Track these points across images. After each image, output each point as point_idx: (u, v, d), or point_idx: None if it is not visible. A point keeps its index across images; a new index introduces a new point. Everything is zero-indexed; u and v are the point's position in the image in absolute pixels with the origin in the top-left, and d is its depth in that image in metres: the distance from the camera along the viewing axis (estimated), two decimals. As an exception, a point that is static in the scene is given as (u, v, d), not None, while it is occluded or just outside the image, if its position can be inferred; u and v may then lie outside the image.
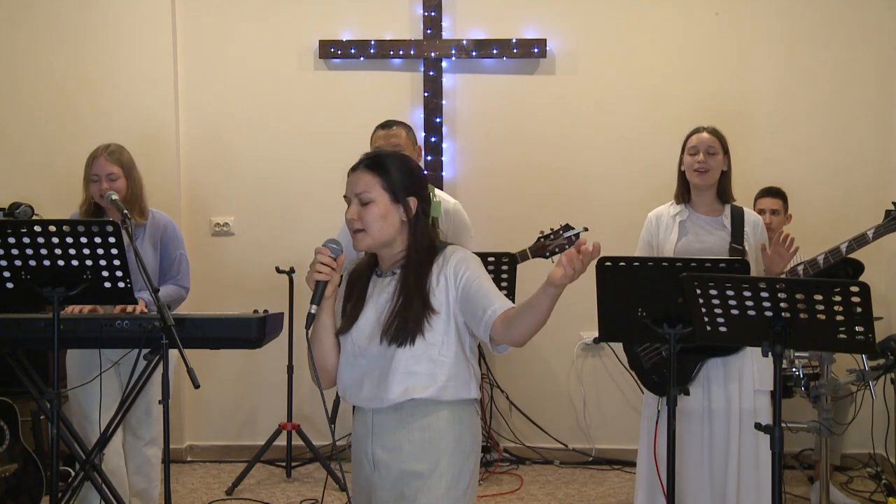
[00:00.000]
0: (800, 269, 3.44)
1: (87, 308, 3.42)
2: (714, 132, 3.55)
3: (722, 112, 5.14)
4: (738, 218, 3.51)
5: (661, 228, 3.58)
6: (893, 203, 3.32)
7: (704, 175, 3.50)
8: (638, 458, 3.62)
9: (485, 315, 2.22)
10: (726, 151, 3.55)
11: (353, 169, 2.35)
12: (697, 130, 3.57)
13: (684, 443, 3.38)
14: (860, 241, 3.31)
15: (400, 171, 2.32)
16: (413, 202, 2.31)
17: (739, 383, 3.38)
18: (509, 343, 2.24)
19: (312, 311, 2.26)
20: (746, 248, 3.46)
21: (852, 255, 4.05)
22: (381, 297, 2.32)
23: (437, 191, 3.94)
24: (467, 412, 2.33)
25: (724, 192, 3.56)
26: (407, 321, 2.24)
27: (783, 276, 3.35)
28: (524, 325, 2.18)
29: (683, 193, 3.59)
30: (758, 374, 3.40)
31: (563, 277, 2.06)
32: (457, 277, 2.28)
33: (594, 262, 3.08)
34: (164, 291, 3.71)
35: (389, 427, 2.28)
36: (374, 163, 2.32)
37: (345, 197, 2.34)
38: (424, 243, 2.32)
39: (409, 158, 2.41)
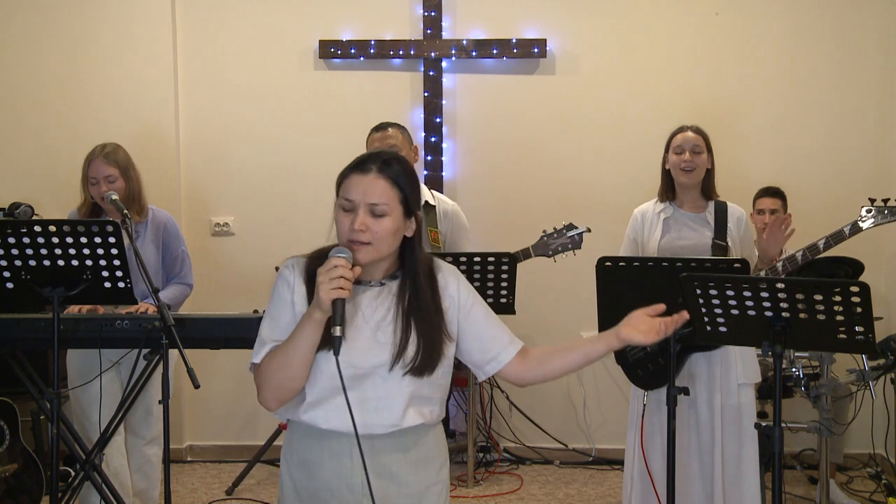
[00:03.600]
0: (778, 265, 3.45)
1: (86, 308, 3.42)
2: (698, 131, 3.59)
3: (722, 112, 5.15)
4: (721, 214, 3.55)
5: (646, 225, 3.62)
6: (870, 199, 3.35)
7: (691, 174, 3.54)
8: (626, 456, 3.60)
9: (499, 355, 2.13)
10: (710, 150, 3.59)
11: (362, 170, 2.01)
12: (682, 129, 3.61)
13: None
14: (837, 237, 3.33)
15: (411, 181, 2.06)
16: (420, 216, 2.09)
17: (723, 377, 3.39)
18: (530, 379, 2.17)
19: (340, 335, 1.93)
20: (730, 243, 3.50)
21: (852, 256, 4.09)
22: (373, 310, 2.07)
23: (435, 193, 3.95)
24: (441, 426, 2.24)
25: (707, 188, 3.60)
26: (431, 355, 2.03)
27: (780, 261, 3.37)
28: (563, 367, 2.16)
29: (668, 191, 3.63)
30: (741, 367, 3.41)
31: (641, 338, 2.11)
32: (462, 305, 2.12)
33: (594, 263, 3.12)
34: (170, 293, 3.72)
35: (382, 452, 2.06)
36: (389, 169, 2.01)
37: (346, 200, 2.01)
38: (427, 259, 2.13)
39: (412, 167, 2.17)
